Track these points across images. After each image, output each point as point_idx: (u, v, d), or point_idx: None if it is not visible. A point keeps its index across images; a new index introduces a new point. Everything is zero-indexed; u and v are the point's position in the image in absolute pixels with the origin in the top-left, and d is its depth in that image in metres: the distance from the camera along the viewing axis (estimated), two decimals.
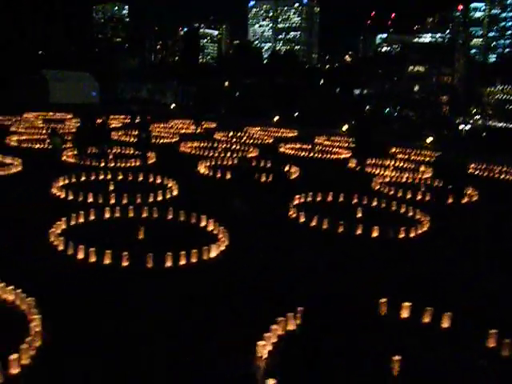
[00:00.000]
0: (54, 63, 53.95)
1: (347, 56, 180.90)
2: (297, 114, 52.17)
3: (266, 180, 19.60)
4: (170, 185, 17.44)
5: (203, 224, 13.28)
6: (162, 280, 10.18)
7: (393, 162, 26.11)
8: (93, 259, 10.58)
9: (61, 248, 11.18)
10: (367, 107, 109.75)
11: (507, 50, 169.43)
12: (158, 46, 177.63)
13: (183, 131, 35.13)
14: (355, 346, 8.12)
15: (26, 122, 33.36)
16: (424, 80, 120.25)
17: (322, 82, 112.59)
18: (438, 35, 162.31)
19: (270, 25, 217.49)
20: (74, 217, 12.98)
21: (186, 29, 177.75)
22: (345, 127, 40.62)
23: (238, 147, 28.48)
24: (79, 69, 55.64)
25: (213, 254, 11.45)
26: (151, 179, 18.31)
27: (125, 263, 10.46)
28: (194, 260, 10.94)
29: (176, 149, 26.85)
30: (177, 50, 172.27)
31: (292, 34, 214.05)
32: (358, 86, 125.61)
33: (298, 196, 16.85)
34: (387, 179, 21.78)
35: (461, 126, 64.22)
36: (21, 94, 50.34)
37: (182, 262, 10.81)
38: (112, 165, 20.14)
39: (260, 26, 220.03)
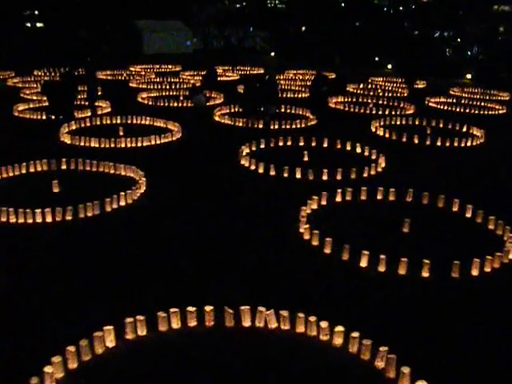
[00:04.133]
0: (145, 13, 53.43)
1: None
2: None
3: None
4: None
5: None
6: None
7: None
8: None
9: None
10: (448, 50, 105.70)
11: None
12: None
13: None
14: None
15: (139, 77, 33.24)
16: (510, 20, 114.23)
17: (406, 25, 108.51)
18: None
19: None
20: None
21: None
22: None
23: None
24: (170, 17, 54.80)
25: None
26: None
27: None
28: None
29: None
30: None
31: None
32: (437, 28, 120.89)
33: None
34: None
35: None
36: (114, 47, 50.47)
37: None
38: None
39: None
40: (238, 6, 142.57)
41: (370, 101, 26.44)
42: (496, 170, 16.13)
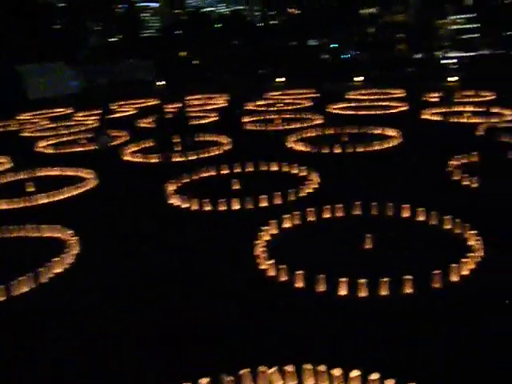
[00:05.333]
0: (24, 57, 51.07)
1: (292, 9, 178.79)
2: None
3: None
4: None
5: None
6: None
7: None
8: None
9: None
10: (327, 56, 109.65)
11: None
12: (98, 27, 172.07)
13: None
14: None
15: (31, 125, 31.31)
16: (378, 21, 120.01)
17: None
18: None
19: None
20: None
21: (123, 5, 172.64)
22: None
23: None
24: (53, 59, 52.73)
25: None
26: None
27: None
28: None
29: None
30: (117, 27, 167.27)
31: None
32: (311, 36, 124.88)
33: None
34: None
35: (445, 61, 64.09)
36: None
37: None
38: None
39: None
40: (112, 40, 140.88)
41: (276, 116, 26.16)
42: (424, 165, 16.23)
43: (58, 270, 9.96)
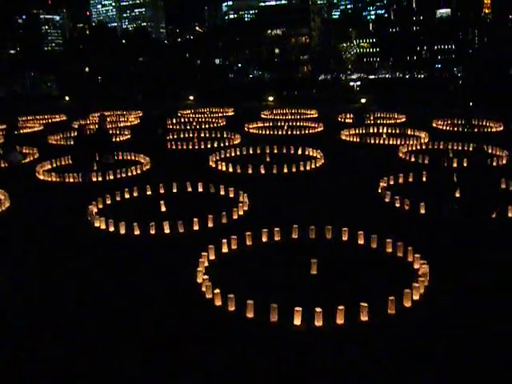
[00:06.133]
0: None
1: (197, 28, 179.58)
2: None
3: None
4: None
5: None
6: None
7: None
8: None
9: None
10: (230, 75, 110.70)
11: (348, 5, 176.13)
12: None
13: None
14: None
15: None
16: (283, 43, 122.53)
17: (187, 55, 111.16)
18: None
19: (113, 3, 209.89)
20: None
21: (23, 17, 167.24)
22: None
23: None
24: None
25: None
26: None
27: None
28: None
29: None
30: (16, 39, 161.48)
31: (137, 10, 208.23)
32: (217, 56, 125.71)
33: None
34: None
35: (351, 83, 66.03)
36: None
37: None
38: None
39: (103, 6, 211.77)
40: (11, 51, 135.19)
41: (194, 135, 25.64)
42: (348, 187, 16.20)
43: None
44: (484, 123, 28.17)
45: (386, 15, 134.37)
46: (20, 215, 14.40)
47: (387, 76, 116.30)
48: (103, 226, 12.74)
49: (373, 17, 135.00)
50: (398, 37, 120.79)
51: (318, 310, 7.90)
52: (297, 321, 7.92)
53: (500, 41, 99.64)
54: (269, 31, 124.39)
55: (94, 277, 10.05)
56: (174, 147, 23.07)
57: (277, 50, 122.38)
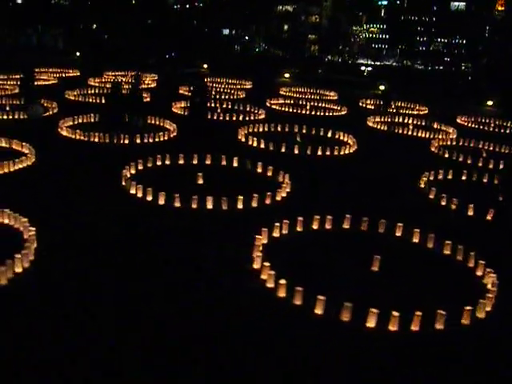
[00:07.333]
0: None
1: None
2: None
3: None
4: None
5: None
6: None
7: None
8: None
9: None
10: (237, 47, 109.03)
11: None
12: None
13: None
14: None
15: None
16: (293, 20, 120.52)
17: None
18: None
19: None
20: None
21: None
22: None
23: None
24: None
25: None
26: None
27: None
28: None
29: None
30: None
31: None
32: (226, 26, 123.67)
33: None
34: None
35: (362, 67, 64.85)
36: None
37: None
38: None
39: None
40: (18, 1, 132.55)
41: (217, 105, 24.78)
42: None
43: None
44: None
45: (398, 2, 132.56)
46: (48, 174, 13.70)
47: (394, 64, 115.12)
48: (140, 194, 12.11)
49: (385, 2, 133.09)
50: (409, 25, 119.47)
51: (396, 314, 7.40)
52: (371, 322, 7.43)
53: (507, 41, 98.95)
54: (279, 7, 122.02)
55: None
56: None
57: (285, 27, 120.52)
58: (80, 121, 19.18)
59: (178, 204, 11.62)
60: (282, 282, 8.02)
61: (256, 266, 8.80)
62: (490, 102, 36.61)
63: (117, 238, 9.92)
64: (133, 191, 12.27)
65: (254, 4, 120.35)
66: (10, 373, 6.01)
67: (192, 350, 6.67)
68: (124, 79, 31.17)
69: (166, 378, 6.14)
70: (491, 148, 21.08)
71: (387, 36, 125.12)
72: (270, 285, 8.25)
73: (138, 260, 8.96)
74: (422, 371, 6.66)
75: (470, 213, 12.69)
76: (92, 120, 19.28)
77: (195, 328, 7.18)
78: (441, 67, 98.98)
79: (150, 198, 11.91)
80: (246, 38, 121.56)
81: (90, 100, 24.13)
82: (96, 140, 16.90)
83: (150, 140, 17.33)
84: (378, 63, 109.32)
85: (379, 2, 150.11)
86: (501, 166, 17.62)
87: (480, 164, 18.06)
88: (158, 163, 14.70)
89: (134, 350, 6.58)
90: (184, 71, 38.10)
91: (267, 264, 8.53)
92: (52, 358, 6.31)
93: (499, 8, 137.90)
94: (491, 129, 26.62)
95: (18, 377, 5.97)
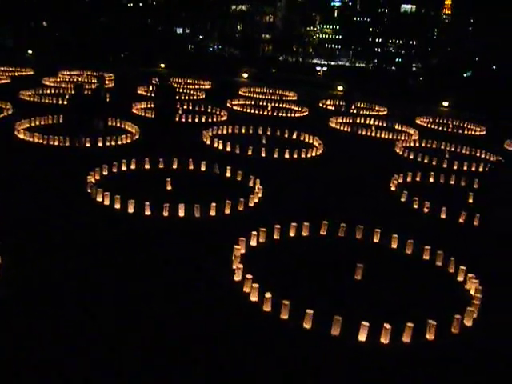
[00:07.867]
0: None
1: None
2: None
3: None
4: None
5: None
6: None
7: None
8: None
9: None
10: (191, 46, 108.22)
11: None
12: None
13: None
14: None
15: None
16: (247, 19, 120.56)
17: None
18: None
19: None
20: None
21: None
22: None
23: None
24: None
25: None
26: None
27: None
28: None
29: None
30: None
31: None
32: (179, 24, 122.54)
33: None
34: None
35: (318, 68, 65.17)
36: None
37: None
38: None
39: None
40: None
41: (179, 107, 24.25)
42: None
43: None
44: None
45: (350, 4, 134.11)
46: (5, 179, 13.01)
47: (347, 64, 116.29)
48: (107, 202, 11.58)
49: (338, 4, 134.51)
50: (362, 26, 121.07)
51: (387, 326, 7.16)
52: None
53: (454, 43, 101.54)
54: (233, 6, 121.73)
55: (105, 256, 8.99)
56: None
57: (239, 27, 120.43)
58: (38, 123, 18.48)
59: (148, 212, 11.16)
60: (268, 295, 7.69)
61: (237, 278, 8.45)
62: (445, 103, 37.18)
63: (84, 246, 9.39)
64: (99, 199, 11.75)
65: (206, 2, 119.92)
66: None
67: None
68: (80, 79, 30.43)
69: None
70: (453, 149, 21.29)
71: (340, 37, 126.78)
72: (254, 298, 7.91)
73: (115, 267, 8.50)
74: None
75: (443, 215, 12.67)
76: (50, 122, 18.59)
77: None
78: (393, 67, 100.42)
79: (118, 206, 11.41)
80: (200, 37, 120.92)
81: (47, 101, 23.33)
82: (56, 143, 16.23)
83: (113, 143, 16.78)
84: (333, 63, 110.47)
85: (332, 3, 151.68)
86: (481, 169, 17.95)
87: (445, 165, 18.17)
88: (124, 168, 14.18)
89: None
90: (143, 70, 37.49)
91: (249, 276, 8.19)
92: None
93: (446, 12, 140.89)
94: (449, 129, 26.96)
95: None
